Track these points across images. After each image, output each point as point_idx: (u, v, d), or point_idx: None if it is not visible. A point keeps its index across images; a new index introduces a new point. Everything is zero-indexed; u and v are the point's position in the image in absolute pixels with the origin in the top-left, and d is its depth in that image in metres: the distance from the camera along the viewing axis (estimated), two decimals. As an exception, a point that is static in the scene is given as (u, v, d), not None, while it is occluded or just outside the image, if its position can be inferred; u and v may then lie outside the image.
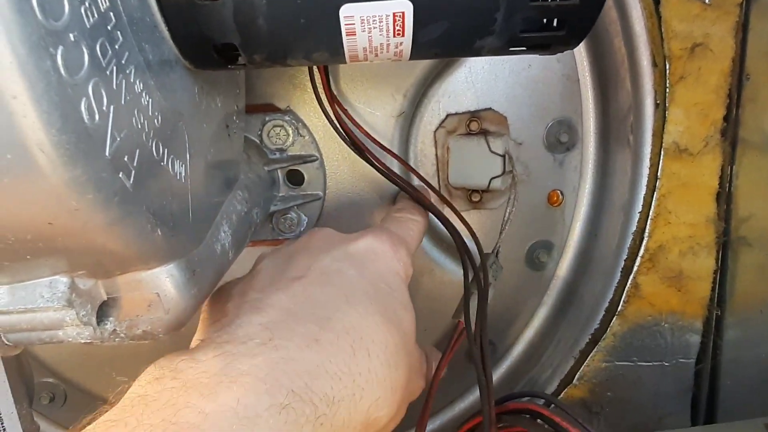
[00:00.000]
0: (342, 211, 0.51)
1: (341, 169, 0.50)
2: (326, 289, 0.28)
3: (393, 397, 0.27)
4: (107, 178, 0.17)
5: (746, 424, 0.44)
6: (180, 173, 0.24)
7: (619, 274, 0.53)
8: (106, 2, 0.18)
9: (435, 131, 0.53)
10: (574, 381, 0.53)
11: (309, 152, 0.48)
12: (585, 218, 0.58)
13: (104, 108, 0.17)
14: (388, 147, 0.49)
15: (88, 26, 0.17)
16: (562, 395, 0.53)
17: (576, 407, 0.53)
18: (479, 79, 0.52)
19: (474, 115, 0.53)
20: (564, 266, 0.59)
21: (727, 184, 0.48)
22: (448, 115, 0.53)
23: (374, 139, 0.46)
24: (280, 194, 0.48)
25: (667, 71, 0.46)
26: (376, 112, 0.49)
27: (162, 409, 0.20)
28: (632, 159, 0.52)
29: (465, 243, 0.45)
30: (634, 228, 0.52)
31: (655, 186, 0.49)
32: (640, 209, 0.51)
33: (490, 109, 0.53)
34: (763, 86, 0.45)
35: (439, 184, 0.54)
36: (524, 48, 0.28)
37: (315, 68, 0.43)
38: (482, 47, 0.27)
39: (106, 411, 0.21)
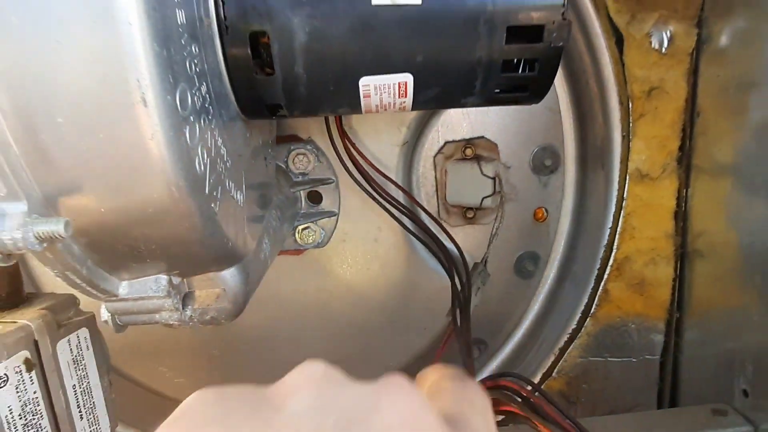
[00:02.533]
0: (355, 225, 0.60)
1: (353, 189, 0.59)
2: None
3: None
4: (206, 208, 0.26)
5: (696, 409, 0.51)
6: (240, 200, 0.33)
7: (592, 281, 0.61)
8: (205, 89, 0.27)
9: (434, 156, 0.61)
10: (554, 374, 0.61)
11: (327, 175, 0.57)
12: (566, 232, 0.66)
13: (205, 161, 0.26)
14: (393, 171, 0.58)
15: (197, 108, 0.25)
16: (543, 387, 0.60)
17: (554, 397, 0.60)
18: (473, 112, 0.61)
19: (469, 143, 0.62)
20: (548, 275, 0.67)
21: (683, 205, 0.57)
22: (446, 143, 0.61)
23: (377, 169, 0.55)
24: (302, 211, 0.56)
25: (630, 109, 0.54)
26: (383, 142, 0.58)
27: None
28: (604, 182, 0.60)
29: (452, 257, 0.53)
30: (605, 241, 0.60)
31: (622, 205, 0.57)
32: (610, 225, 0.59)
33: (482, 137, 0.61)
34: (712, 122, 0.54)
35: (438, 202, 0.63)
36: (499, 101, 0.37)
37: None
38: (466, 103, 0.36)
39: None
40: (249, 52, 0.30)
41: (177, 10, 0.23)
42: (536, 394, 0.40)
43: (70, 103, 0.20)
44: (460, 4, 0.31)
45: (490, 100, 0.36)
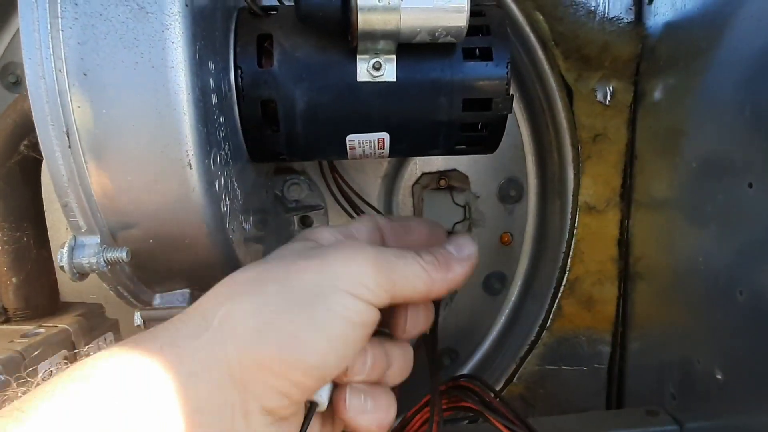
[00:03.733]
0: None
1: (340, 214, 0.67)
2: None
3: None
4: (226, 238, 0.34)
5: (633, 411, 0.60)
6: (248, 228, 0.41)
7: (549, 298, 0.69)
8: (228, 147, 0.35)
9: (413, 186, 0.70)
10: (514, 380, 0.69)
11: (317, 202, 0.65)
12: (529, 255, 0.75)
13: (227, 203, 0.34)
14: (375, 199, 0.66)
15: (222, 164, 0.34)
16: (505, 391, 0.69)
17: (516, 400, 0.68)
18: (447, 147, 0.69)
19: (443, 174, 0.70)
20: (513, 292, 0.75)
21: (625, 233, 0.66)
22: (422, 174, 0.70)
23: (361, 197, 0.63)
24: (296, 233, 0.64)
25: (580, 151, 0.64)
26: (367, 174, 0.66)
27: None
28: (560, 212, 0.69)
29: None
30: (560, 263, 0.69)
31: (573, 233, 0.66)
32: (564, 250, 0.68)
33: (455, 169, 0.70)
34: (648, 163, 0.63)
35: (415, 226, 0.71)
36: (460, 152, 0.45)
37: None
38: (433, 153, 0.45)
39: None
40: (260, 115, 0.38)
41: (212, 95, 0.31)
42: (491, 393, 0.48)
43: (138, 166, 0.28)
44: (426, 81, 0.39)
45: (452, 151, 0.45)
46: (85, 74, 0.27)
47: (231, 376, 0.25)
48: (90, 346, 0.45)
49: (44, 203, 0.44)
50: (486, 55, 0.40)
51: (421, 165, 0.69)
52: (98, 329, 0.46)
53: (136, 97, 0.27)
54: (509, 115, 0.64)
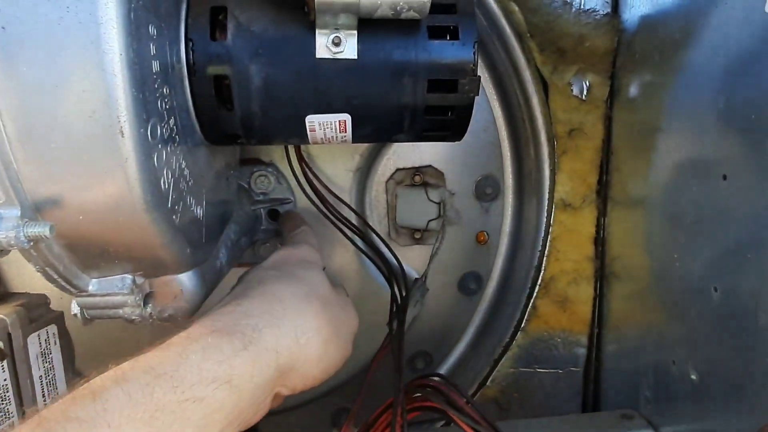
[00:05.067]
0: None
1: (310, 209, 0.65)
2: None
3: (313, 323, 0.38)
4: (167, 219, 0.32)
5: (608, 414, 0.58)
6: (199, 214, 0.39)
7: (524, 298, 0.68)
8: (173, 122, 0.33)
9: (386, 182, 0.68)
10: (488, 383, 0.67)
11: (285, 196, 0.63)
12: (505, 254, 0.73)
13: (169, 179, 0.32)
14: (347, 194, 0.64)
15: (165, 138, 0.31)
16: (478, 395, 0.66)
17: (490, 404, 0.66)
18: (423, 143, 0.68)
19: (418, 170, 0.68)
20: (488, 292, 0.74)
21: (602, 231, 0.64)
22: (397, 170, 0.68)
23: (331, 192, 0.61)
24: (262, 227, 0.62)
25: (555, 146, 0.62)
26: (338, 167, 0.64)
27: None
28: (536, 209, 0.68)
29: (394, 272, 0.60)
30: (535, 263, 0.67)
31: (549, 230, 0.65)
32: (540, 248, 0.67)
33: (430, 165, 0.68)
34: (623, 160, 0.62)
35: (388, 224, 0.69)
36: (427, 138, 0.44)
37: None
38: (398, 138, 0.43)
39: None
40: (213, 91, 0.36)
41: (153, 61, 0.29)
42: (457, 392, 0.45)
43: (63, 132, 0.26)
44: (389, 59, 0.38)
45: (418, 136, 0.43)
46: (3, 28, 0.24)
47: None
48: (30, 337, 0.42)
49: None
50: (452, 34, 0.38)
51: (395, 160, 0.68)
52: (39, 321, 0.42)
53: (61, 55, 0.25)
54: (486, 112, 0.63)
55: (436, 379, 0.47)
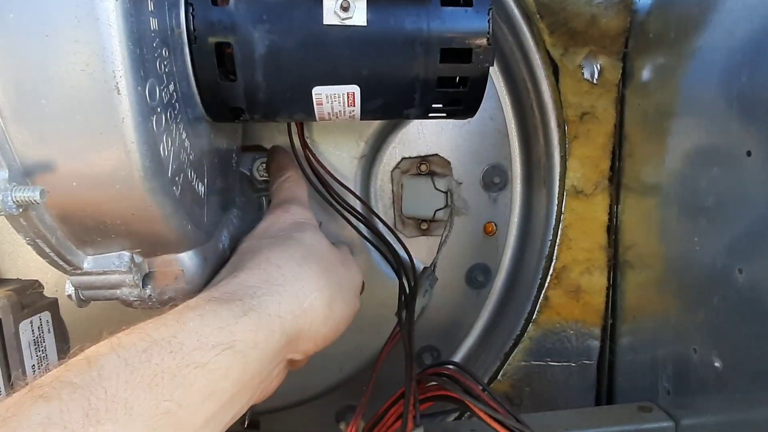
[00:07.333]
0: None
1: (314, 197, 0.63)
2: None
3: (314, 284, 0.37)
4: (167, 189, 0.30)
5: (625, 407, 0.56)
6: (201, 191, 0.37)
7: (535, 289, 0.66)
8: (172, 87, 0.31)
9: (392, 171, 0.66)
10: (499, 377, 0.65)
11: (289, 184, 0.61)
12: (514, 245, 0.71)
13: (169, 147, 0.30)
14: (352, 182, 0.62)
15: (164, 101, 0.29)
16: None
17: (500, 398, 0.64)
18: (428, 131, 0.66)
19: (424, 159, 0.66)
20: (497, 285, 0.71)
21: (615, 219, 0.62)
22: (402, 158, 0.66)
23: (336, 179, 0.59)
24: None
25: (566, 131, 0.60)
26: (342, 155, 0.62)
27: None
28: (546, 198, 0.66)
29: (402, 262, 0.58)
30: (546, 252, 0.65)
31: (560, 219, 0.63)
32: (551, 237, 0.65)
33: (436, 154, 0.66)
34: (637, 146, 0.60)
35: (394, 214, 0.67)
36: (438, 115, 0.42)
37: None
38: (409, 114, 0.41)
39: None
40: (214, 60, 0.34)
41: (151, 18, 0.27)
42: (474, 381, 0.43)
43: (54, 87, 0.24)
44: (400, 27, 0.36)
45: (429, 111, 0.41)
46: (-11, -28, 0.22)
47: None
48: (23, 324, 0.40)
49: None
50: (466, 1, 0.36)
51: (400, 149, 0.66)
52: (32, 307, 0.40)
53: (52, 1, 0.23)
54: (493, 99, 0.61)
55: (450, 367, 0.44)
